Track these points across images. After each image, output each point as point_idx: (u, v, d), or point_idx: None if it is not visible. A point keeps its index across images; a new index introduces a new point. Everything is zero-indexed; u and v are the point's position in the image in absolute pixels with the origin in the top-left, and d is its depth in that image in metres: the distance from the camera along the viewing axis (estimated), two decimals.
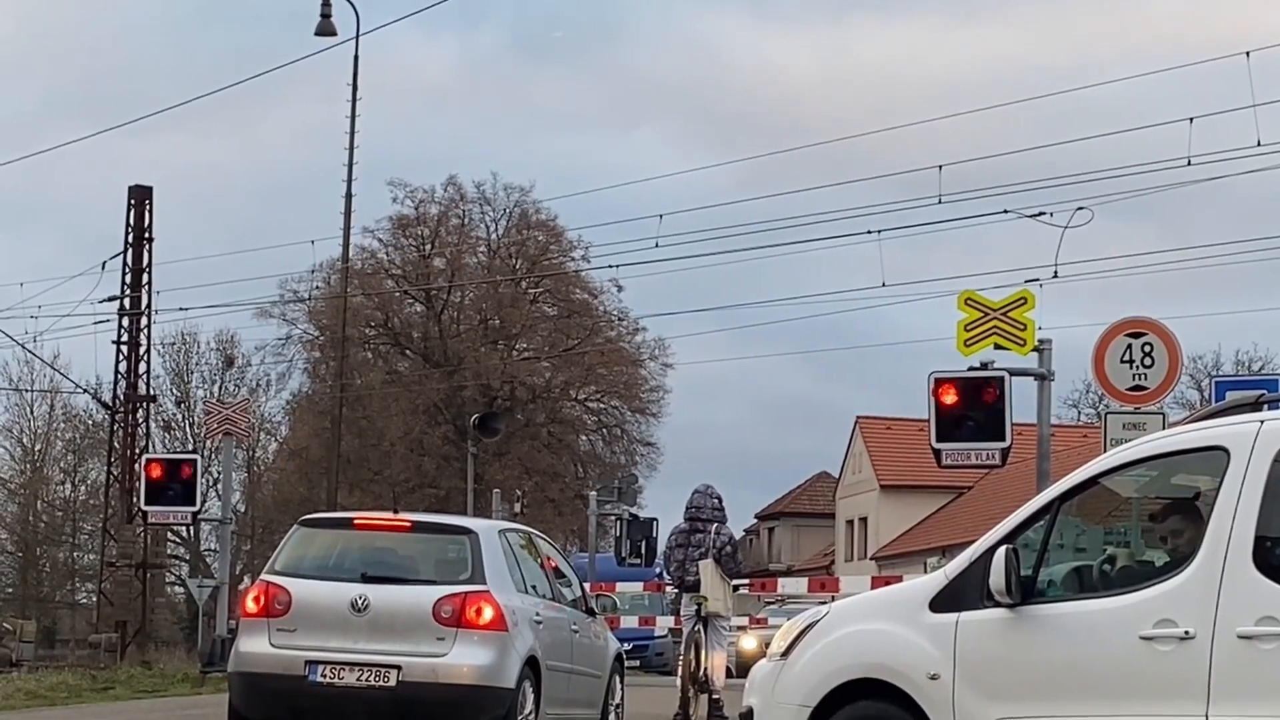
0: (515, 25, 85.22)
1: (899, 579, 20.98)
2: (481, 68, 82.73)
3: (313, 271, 54.97)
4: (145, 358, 52.04)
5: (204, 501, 31.35)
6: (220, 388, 60.94)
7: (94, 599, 54.93)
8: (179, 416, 61.25)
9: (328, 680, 14.36)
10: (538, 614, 15.26)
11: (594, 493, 43.84)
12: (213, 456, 53.83)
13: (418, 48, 79.49)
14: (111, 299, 50.34)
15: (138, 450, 47.25)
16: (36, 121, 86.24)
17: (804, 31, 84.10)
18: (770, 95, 78.65)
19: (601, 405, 61.29)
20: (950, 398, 18.20)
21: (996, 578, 9.13)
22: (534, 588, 15.64)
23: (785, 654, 10.06)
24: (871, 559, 67.73)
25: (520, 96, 79.73)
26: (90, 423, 62.87)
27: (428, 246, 57.37)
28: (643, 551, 35.50)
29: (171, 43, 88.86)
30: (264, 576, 15.00)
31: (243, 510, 59.54)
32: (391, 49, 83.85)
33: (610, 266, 42.71)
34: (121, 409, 50.99)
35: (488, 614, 14.40)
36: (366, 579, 14.72)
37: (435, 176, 69.86)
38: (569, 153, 79.08)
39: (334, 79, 64.98)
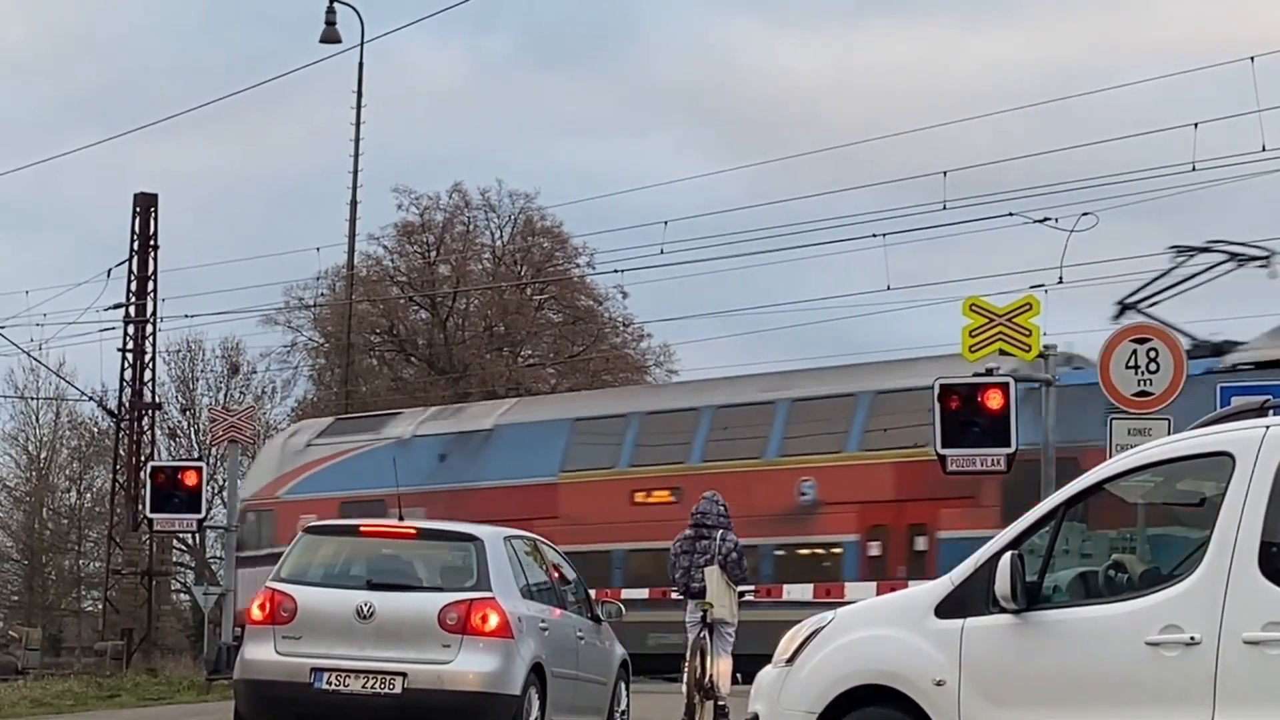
0: (525, 31, 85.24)
1: (904, 585, 20.96)
2: (491, 74, 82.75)
3: (318, 278, 55.03)
4: (150, 365, 52.04)
5: (209, 509, 31.29)
6: (225, 395, 60.94)
7: (99, 606, 54.94)
8: (184, 424, 61.28)
9: (333, 687, 14.37)
10: (543, 620, 15.26)
11: None
12: (218, 464, 53.98)
13: (426, 54, 79.49)
14: (117, 306, 50.37)
15: (143, 458, 47.28)
16: (43, 127, 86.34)
17: (816, 36, 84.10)
18: (782, 100, 78.61)
19: None
20: (955, 403, 18.21)
21: (1002, 584, 9.12)
22: (539, 594, 15.65)
23: (791, 660, 10.06)
24: None
25: (530, 102, 79.70)
26: (96, 430, 62.93)
27: (433, 253, 57.38)
28: None
29: (178, 49, 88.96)
30: (269, 584, 15.01)
31: None
32: (400, 55, 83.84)
33: (615, 271, 42.62)
34: (127, 416, 51.01)
35: (493, 621, 14.41)
36: (372, 586, 14.73)
37: (444, 183, 69.95)
38: (578, 158, 79.11)
39: (341, 85, 64.94)
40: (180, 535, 53.66)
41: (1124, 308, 27.53)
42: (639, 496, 28.15)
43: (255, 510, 37.36)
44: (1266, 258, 27.34)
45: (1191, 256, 27.70)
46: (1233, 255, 27.53)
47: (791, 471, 28.46)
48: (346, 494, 34.49)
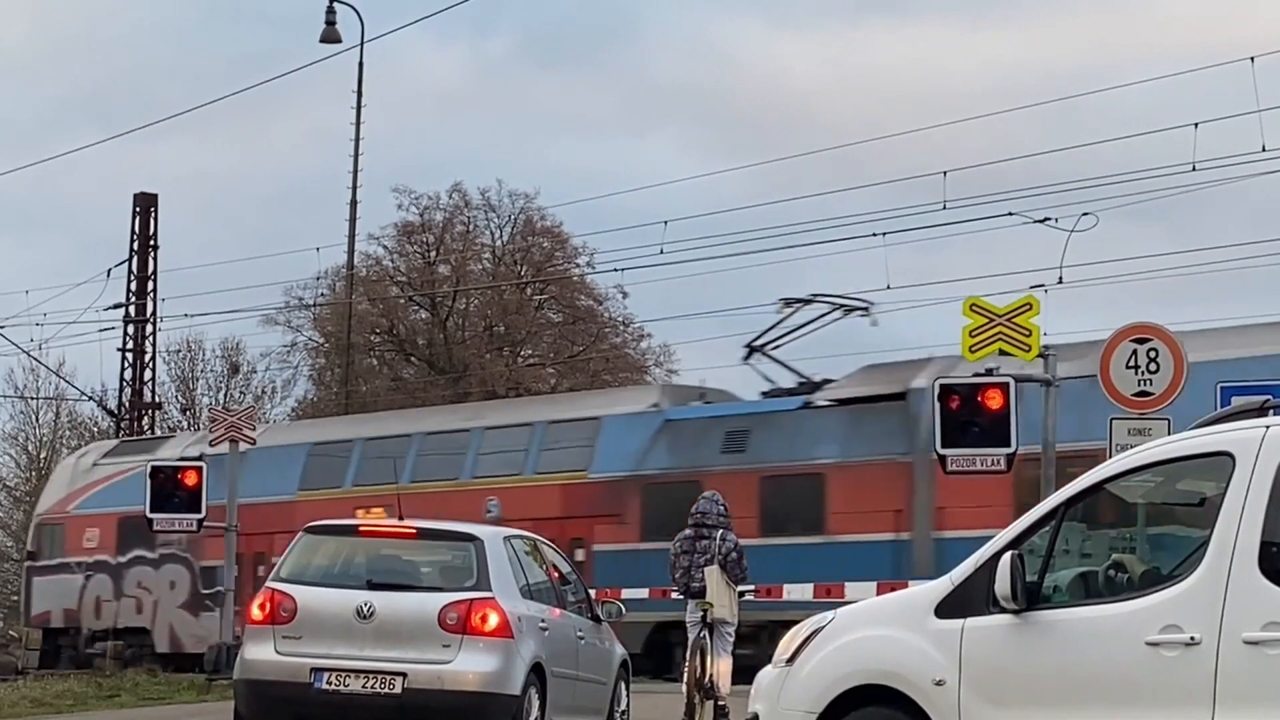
0: (525, 31, 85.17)
1: (904, 585, 20.95)
2: (491, 74, 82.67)
3: (318, 278, 55.04)
4: (150, 365, 52.15)
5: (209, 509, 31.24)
6: (225, 395, 60.92)
7: None
8: (184, 424, 61.22)
9: (333, 687, 14.37)
10: (543, 620, 15.26)
11: None
12: None
13: (426, 54, 79.43)
14: (117, 306, 50.49)
15: None
16: (43, 127, 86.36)
17: (817, 36, 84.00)
18: (782, 100, 78.55)
19: None
20: (955, 403, 18.20)
21: (1002, 584, 9.12)
22: (539, 594, 15.65)
23: (790, 660, 10.06)
24: None
25: (530, 102, 79.66)
26: (96, 430, 62.88)
27: (433, 253, 57.35)
28: None
29: (178, 49, 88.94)
30: (269, 583, 15.01)
31: None
32: (400, 55, 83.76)
33: (615, 270, 42.66)
34: (127, 416, 51.07)
35: (493, 621, 14.41)
36: (372, 586, 14.74)
37: (444, 183, 69.89)
38: (578, 158, 79.02)
39: (341, 85, 64.88)
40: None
41: (750, 350, 31.70)
42: (360, 513, 30.45)
43: (49, 524, 41.44)
44: (866, 308, 31.33)
45: (800, 308, 31.56)
46: (837, 305, 31.35)
47: (481, 491, 32.40)
48: (125, 510, 37.45)
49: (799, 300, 31.51)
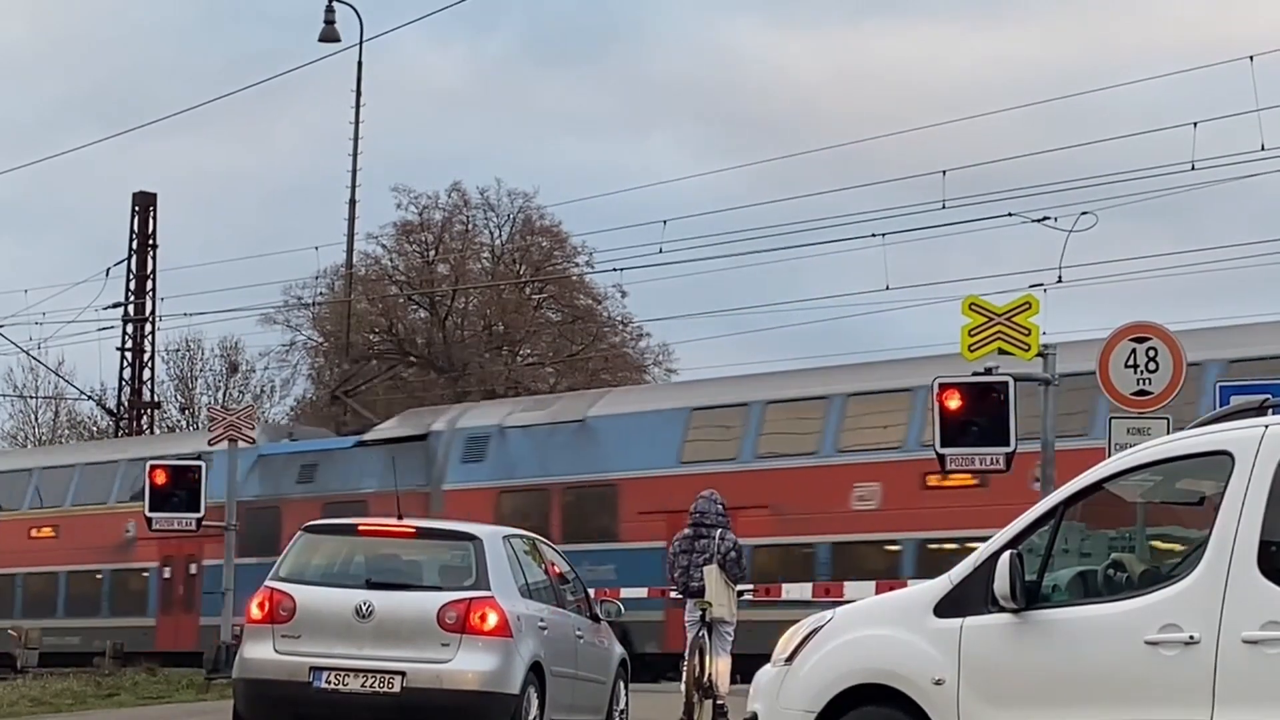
0: (526, 30, 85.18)
1: (903, 584, 20.97)
2: (491, 74, 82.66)
3: (317, 278, 55.01)
4: (149, 364, 52.17)
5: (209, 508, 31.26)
6: (224, 394, 60.92)
7: None
8: (184, 423, 61.22)
9: (332, 686, 14.37)
10: (542, 619, 15.26)
11: None
12: None
13: (426, 54, 79.44)
14: (116, 305, 50.50)
15: None
16: (43, 127, 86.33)
17: (818, 35, 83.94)
18: (785, 99, 78.52)
19: None
20: (954, 403, 18.19)
21: (1001, 583, 9.12)
22: (538, 593, 15.65)
23: (789, 659, 10.05)
24: None
25: (530, 102, 79.65)
26: (95, 429, 62.89)
27: (432, 252, 57.31)
28: None
29: (178, 49, 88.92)
30: (268, 583, 15.00)
31: None
32: (400, 55, 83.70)
33: (614, 270, 42.66)
34: (126, 415, 51.07)
35: (492, 620, 14.41)
36: (371, 585, 14.73)
37: (444, 182, 69.82)
38: (578, 158, 78.97)
39: (340, 85, 64.88)
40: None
41: (334, 397, 40.09)
42: (34, 532, 37.29)
43: None
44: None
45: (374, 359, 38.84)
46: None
47: (122, 515, 38.30)
48: None
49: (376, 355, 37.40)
